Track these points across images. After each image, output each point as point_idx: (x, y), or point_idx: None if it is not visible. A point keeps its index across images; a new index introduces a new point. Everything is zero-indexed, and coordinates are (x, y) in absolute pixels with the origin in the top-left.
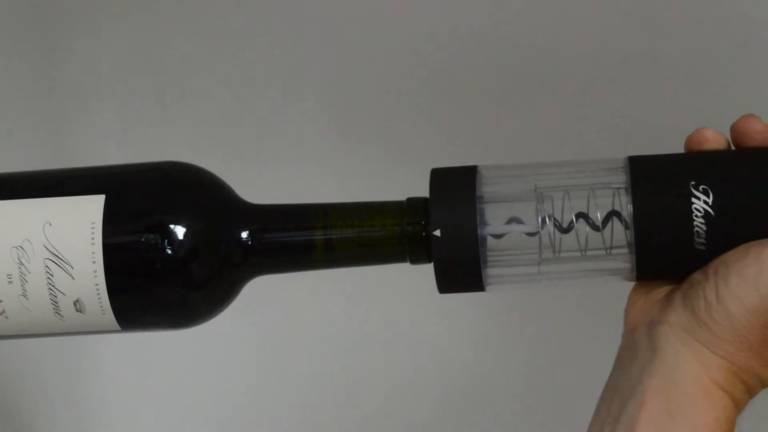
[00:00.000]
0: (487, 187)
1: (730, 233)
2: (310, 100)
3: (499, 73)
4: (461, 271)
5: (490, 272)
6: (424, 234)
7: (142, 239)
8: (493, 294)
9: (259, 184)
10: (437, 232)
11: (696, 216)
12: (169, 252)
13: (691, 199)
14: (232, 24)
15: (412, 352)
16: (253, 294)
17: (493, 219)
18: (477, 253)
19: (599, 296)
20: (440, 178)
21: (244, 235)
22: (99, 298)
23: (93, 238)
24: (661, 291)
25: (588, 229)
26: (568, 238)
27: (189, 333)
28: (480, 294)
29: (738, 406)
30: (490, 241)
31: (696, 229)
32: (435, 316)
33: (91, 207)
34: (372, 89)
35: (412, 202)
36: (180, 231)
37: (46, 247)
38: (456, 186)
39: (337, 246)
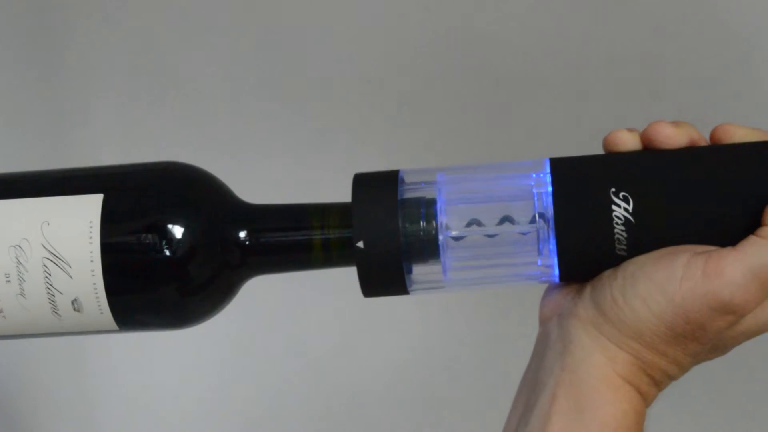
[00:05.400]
0: (410, 193)
1: (650, 239)
2: (310, 100)
3: (495, 75)
4: (385, 277)
5: (415, 278)
6: (421, 234)
7: (140, 239)
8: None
9: (257, 184)
10: (360, 244)
11: (617, 223)
12: (167, 252)
13: (611, 207)
14: (230, 25)
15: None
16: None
17: (418, 224)
18: (400, 260)
19: None
20: (362, 185)
21: (242, 234)
22: (97, 298)
23: (91, 238)
24: (574, 283)
25: (512, 232)
26: (493, 242)
27: (193, 331)
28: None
29: (646, 399)
30: (415, 246)
31: (617, 236)
32: (416, 315)
33: (90, 206)
34: (372, 90)
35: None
36: (178, 231)
37: (44, 246)
38: (378, 193)
39: (334, 246)
